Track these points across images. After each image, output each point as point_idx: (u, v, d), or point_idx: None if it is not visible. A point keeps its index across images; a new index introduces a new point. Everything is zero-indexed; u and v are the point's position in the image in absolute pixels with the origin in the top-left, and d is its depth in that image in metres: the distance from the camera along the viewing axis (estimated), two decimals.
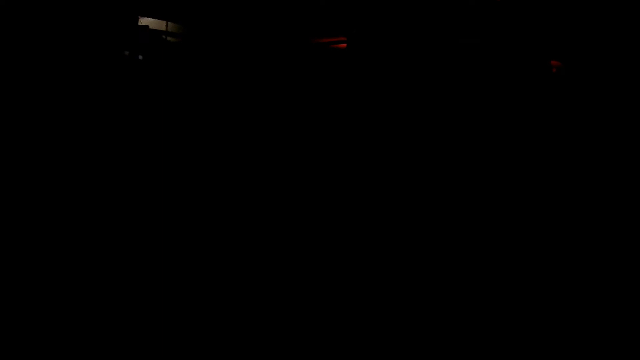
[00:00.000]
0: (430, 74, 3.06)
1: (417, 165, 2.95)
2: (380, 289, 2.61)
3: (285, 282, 2.72)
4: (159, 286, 2.48)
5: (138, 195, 2.77)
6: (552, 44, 2.86)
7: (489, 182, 2.72)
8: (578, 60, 2.74)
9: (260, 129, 3.38)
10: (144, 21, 3.25)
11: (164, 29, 3.42)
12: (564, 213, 2.55)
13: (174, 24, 3.46)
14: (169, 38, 3.46)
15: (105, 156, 2.67)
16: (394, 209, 2.87)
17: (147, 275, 2.48)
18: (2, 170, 2.34)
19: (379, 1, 3.36)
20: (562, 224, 2.51)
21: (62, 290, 2.08)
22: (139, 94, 3.03)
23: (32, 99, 2.53)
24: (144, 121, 3.03)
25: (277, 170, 3.24)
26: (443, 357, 2.24)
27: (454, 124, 2.89)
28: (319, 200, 3.04)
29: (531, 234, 2.54)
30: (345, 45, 3.76)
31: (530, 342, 2.14)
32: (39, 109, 2.56)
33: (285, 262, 2.76)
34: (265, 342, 2.31)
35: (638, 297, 2.27)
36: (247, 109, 3.45)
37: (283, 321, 2.53)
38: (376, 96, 3.25)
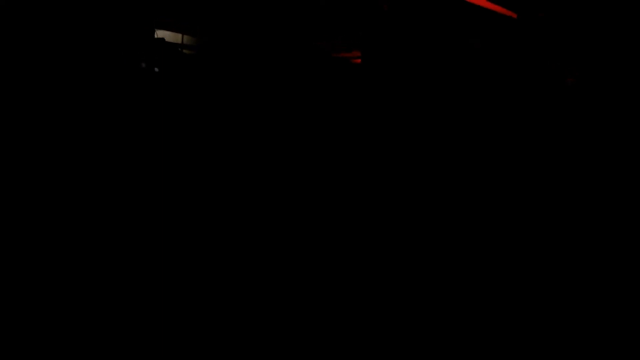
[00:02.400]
0: (443, 88, 3.06)
1: (432, 176, 2.93)
2: (378, 288, 2.63)
3: (288, 281, 2.75)
4: (159, 285, 2.43)
5: (151, 200, 2.73)
6: (567, 61, 2.87)
7: (501, 191, 2.71)
8: (590, 75, 2.76)
9: (277, 137, 3.34)
10: (160, 34, 3.19)
11: (179, 41, 3.37)
12: (580, 219, 2.52)
13: (189, 37, 3.41)
14: (184, 50, 3.41)
15: (121, 160, 2.61)
16: (406, 212, 2.85)
17: (146, 274, 2.45)
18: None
19: (391, 19, 3.36)
20: (577, 230, 2.48)
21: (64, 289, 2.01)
22: (154, 105, 2.97)
23: (49, 103, 2.46)
24: (159, 129, 2.98)
25: (290, 175, 3.23)
26: (443, 357, 2.26)
27: (459, 135, 2.90)
28: (337, 204, 3.02)
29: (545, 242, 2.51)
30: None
31: (525, 342, 2.12)
32: (55, 112, 2.49)
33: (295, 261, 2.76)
34: (265, 341, 2.28)
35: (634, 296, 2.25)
36: (264, 118, 3.41)
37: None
38: (388, 108, 3.25)
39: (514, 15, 2.92)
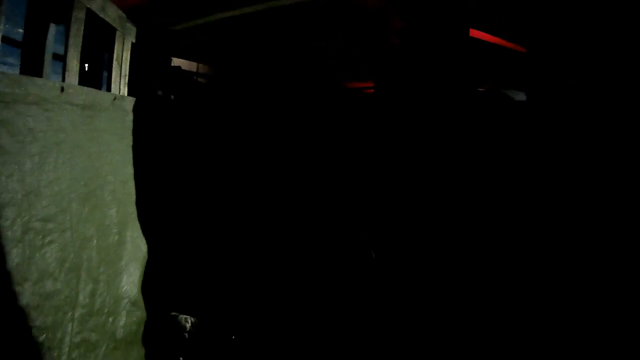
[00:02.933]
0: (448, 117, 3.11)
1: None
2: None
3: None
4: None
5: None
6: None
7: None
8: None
9: (293, 163, 3.36)
10: (176, 62, 3.24)
11: (194, 69, 3.41)
12: None
13: (204, 65, 3.46)
14: (199, 79, 3.44)
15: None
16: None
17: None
18: None
19: (402, 53, 3.42)
20: None
21: None
22: (170, 132, 2.97)
23: None
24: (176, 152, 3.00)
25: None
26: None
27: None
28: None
29: None
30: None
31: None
32: None
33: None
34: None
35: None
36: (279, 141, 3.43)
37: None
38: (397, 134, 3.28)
39: (523, 50, 2.96)
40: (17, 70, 1.79)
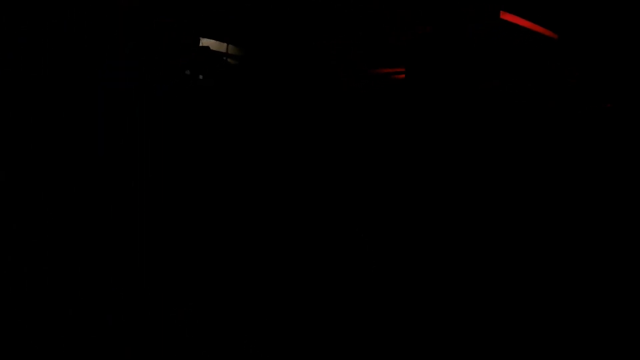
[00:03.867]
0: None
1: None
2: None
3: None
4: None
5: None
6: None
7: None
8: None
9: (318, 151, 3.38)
10: (205, 42, 3.32)
11: (224, 50, 3.48)
12: None
13: (234, 46, 3.51)
14: (229, 60, 3.51)
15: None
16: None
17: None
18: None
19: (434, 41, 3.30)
20: None
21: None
22: (197, 111, 3.07)
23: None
24: (201, 133, 3.06)
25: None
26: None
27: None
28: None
29: None
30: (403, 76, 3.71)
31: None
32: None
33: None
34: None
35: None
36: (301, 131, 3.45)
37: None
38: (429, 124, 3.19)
39: (555, 37, 2.75)
40: None
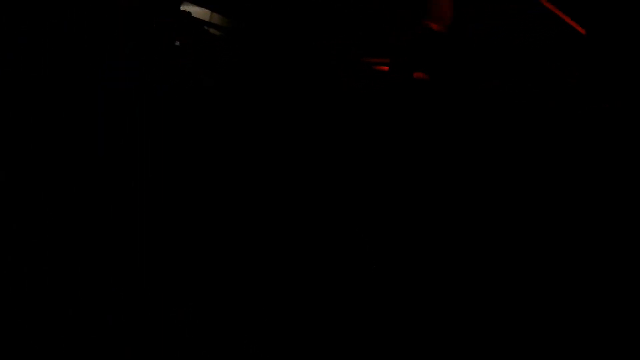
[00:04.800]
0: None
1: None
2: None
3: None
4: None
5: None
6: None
7: None
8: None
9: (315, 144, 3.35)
10: (187, 8, 3.01)
11: (207, 19, 3.17)
12: None
13: (219, 15, 3.20)
14: (211, 30, 3.21)
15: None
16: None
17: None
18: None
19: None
20: None
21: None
22: (197, 111, 3.01)
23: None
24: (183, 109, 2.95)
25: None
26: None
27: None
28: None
29: None
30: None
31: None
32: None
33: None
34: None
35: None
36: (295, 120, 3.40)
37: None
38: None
39: (583, 32, 2.72)
40: None
